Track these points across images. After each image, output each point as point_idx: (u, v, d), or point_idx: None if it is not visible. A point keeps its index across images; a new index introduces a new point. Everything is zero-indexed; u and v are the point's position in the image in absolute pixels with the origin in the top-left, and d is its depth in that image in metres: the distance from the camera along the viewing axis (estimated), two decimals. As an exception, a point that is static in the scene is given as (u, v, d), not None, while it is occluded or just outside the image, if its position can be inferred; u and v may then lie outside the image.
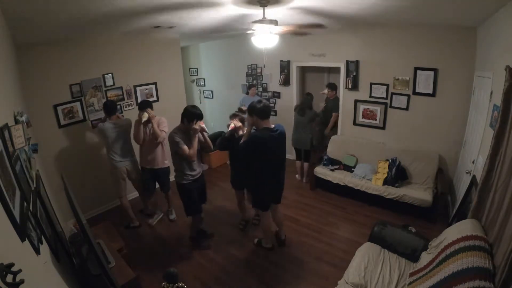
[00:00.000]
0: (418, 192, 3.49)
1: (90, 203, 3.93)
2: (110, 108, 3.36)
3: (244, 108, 2.96)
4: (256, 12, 2.45)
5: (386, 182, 3.71)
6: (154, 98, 4.49)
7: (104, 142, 3.38)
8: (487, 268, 1.55)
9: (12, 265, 0.82)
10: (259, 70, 5.62)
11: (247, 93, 5.39)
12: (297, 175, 4.87)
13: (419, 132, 3.99)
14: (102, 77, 3.82)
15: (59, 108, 3.47)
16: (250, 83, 5.70)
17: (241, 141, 2.70)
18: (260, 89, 5.70)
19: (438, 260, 1.89)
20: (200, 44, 6.51)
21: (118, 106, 3.97)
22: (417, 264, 2.22)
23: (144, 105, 3.34)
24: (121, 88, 4.06)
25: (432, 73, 3.66)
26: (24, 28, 2.41)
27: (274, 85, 5.49)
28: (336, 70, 4.80)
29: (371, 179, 3.83)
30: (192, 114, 2.74)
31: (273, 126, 2.66)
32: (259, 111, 2.57)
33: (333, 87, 4.70)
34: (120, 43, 3.92)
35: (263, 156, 2.63)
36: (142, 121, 3.25)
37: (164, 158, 3.56)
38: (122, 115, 3.71)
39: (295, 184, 4.65)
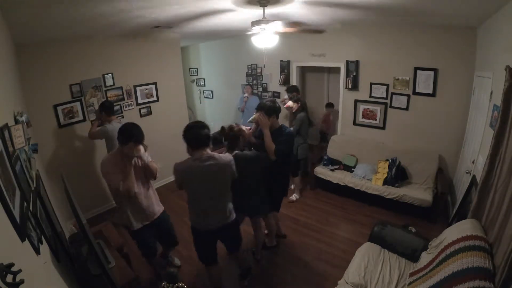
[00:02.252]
0: (418, 192, 3.48)
1: (90, 203, 3.92)
2: (112, 107, 3.37)
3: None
4: (256, 12, 2.45)
5: (386, 182, 3.71)
6: (154, 98, 4.50)
7: (109, 142, 3.30)
8: (487, 268, 1.55)
9: (12, 265, 0.82)
10: (259, 70, 5.62)
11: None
12: (294, 195, 4.12)
13: (419, 132, 3.99)
14: (102, 77, 3.82)
15: (59, 108, 3.47)
16: (250, 83, 5.72)
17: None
18: (260, 89, 5.70)
19: (438, 260, 1.89)
20: (200, 44, 6.51)
21: (118, 106, 4.00)
22: (417, 264, 2.22)
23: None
24: (121, 88, 4.06)
25: (432, 73, 3.66)
26: (24, 28, 2.41)
27: (274, 85, 5.49)
28: (336, 70, 4.79)
29: (371, 179, 3.83)
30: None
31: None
32: (279, 111, 2.62)
33: (292, 89, 3.94)
34: (120, 43, 3.92)
35: (290, 152, 2.74)
36: (140, 155, 2.16)
37: (158, 199, 2.53)
38: (121, 117, 3.70)
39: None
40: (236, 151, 2.38)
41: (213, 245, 2.31)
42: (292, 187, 4.10)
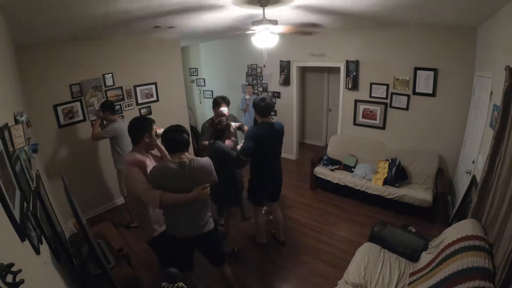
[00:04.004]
0: (418, 192, 3.48)
1: (90, 203, 3.92)
2: (114, 106, 3.37)
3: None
4: (256, 12, 2.45)
5: (386, 182, 3.71)
6: (154, 98, 4.49)
7: (115, 141, 3.30)
8: (487, 268, 1.55)
9: (12, 265, 0.82)
10: (259, 70, 5.62)
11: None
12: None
13: (419, 132, 3.99)
14: (102, 77, 3.82)
15: (59, 108, 3.47)
16: (250, 83, 5.73)
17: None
18: (260, 89, 5.71)
19: (438, 260, 1.90)
20: (200, 44, 6.51)
21: (118, 106, 4.00)
22: (417, 264, 2.22)
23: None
24: (121, 88, 4.06)
25: (432, 73, 3.66)
26: (24, 28, 2.41)
27: (274, 85, 5.50)
28: (336, 70, 4.80)
29: (371, 179, 3.83)
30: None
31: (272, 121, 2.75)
32: (261, 109, 2.65)
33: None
34: (120, 43, 3.92)
35: (261, 148, 2.64)
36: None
37: None
38: (121, 116, 3.71)
39: (295, 184, 4.65)
40: (218, 141, 2.68)
41: (189, 253, 2.17)
42: None
